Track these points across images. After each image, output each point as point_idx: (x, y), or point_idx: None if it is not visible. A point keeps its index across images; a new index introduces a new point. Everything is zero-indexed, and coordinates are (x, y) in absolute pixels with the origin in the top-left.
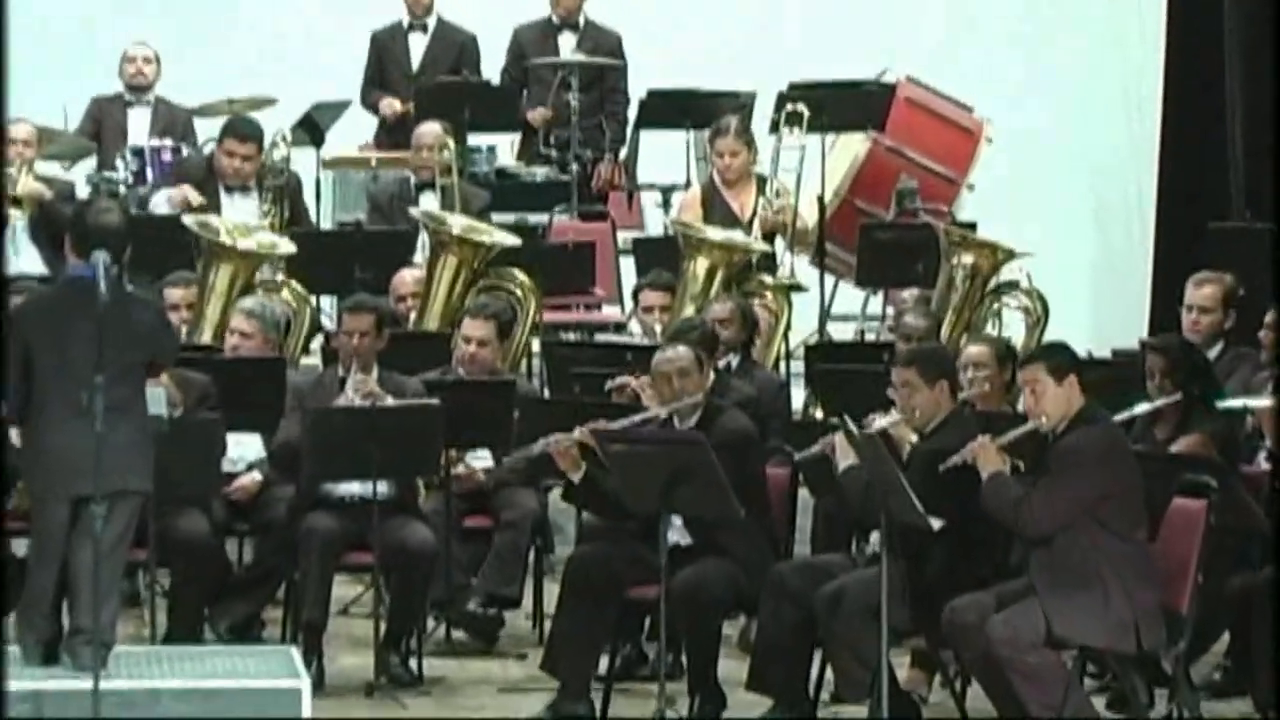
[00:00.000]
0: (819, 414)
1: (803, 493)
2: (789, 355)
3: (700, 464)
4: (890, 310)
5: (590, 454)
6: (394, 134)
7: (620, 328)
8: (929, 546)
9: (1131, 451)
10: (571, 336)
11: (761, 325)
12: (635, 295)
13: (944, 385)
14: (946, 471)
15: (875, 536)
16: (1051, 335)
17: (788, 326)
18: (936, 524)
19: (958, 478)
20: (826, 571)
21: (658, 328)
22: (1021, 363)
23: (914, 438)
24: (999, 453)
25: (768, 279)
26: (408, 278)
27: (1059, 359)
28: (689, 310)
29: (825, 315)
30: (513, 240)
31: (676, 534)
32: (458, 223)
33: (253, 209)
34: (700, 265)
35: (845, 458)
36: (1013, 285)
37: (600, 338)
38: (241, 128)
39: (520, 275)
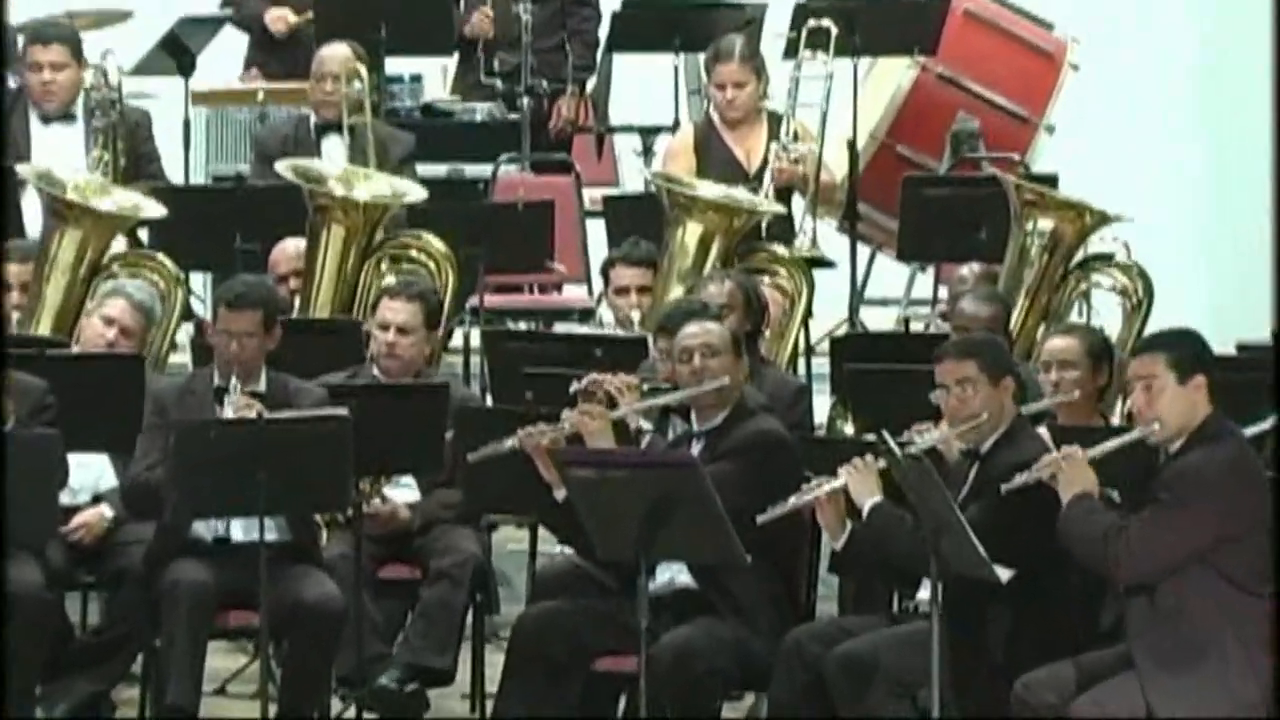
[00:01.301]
0: (849, 428)
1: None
2: (810, 351)
3: (690, 496)
4: (943, 292)
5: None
6: (287, 58)
7: (587, 315)
8: (993, 603)
9: (1266, 480)
10: (522, 326)
11: (772, 311)
12: (606, 272)
13: (1010, 386)
14: (1012, 496)
15: (923, 589)
16: (1156, 325)
17: (808, 312)
18: (1005, 575)
19: (1032, 510)
20: (853, 635)
21: (635, 316)
22: (1136, 350)
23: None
24: (1087, 468)
25: (781, 250)
26: (289, 250)
27: (1187, 351)
28: (676, 292)
29: (858, 298)
30: (415, 193)
31: (673, 573)
32: (342, 180)
33: (75, 143)
34: (691, 232)
35: (866, 494)
36: (1106, 259)
37: (561, 328)
38: (43, 31)
39: (432, 241)
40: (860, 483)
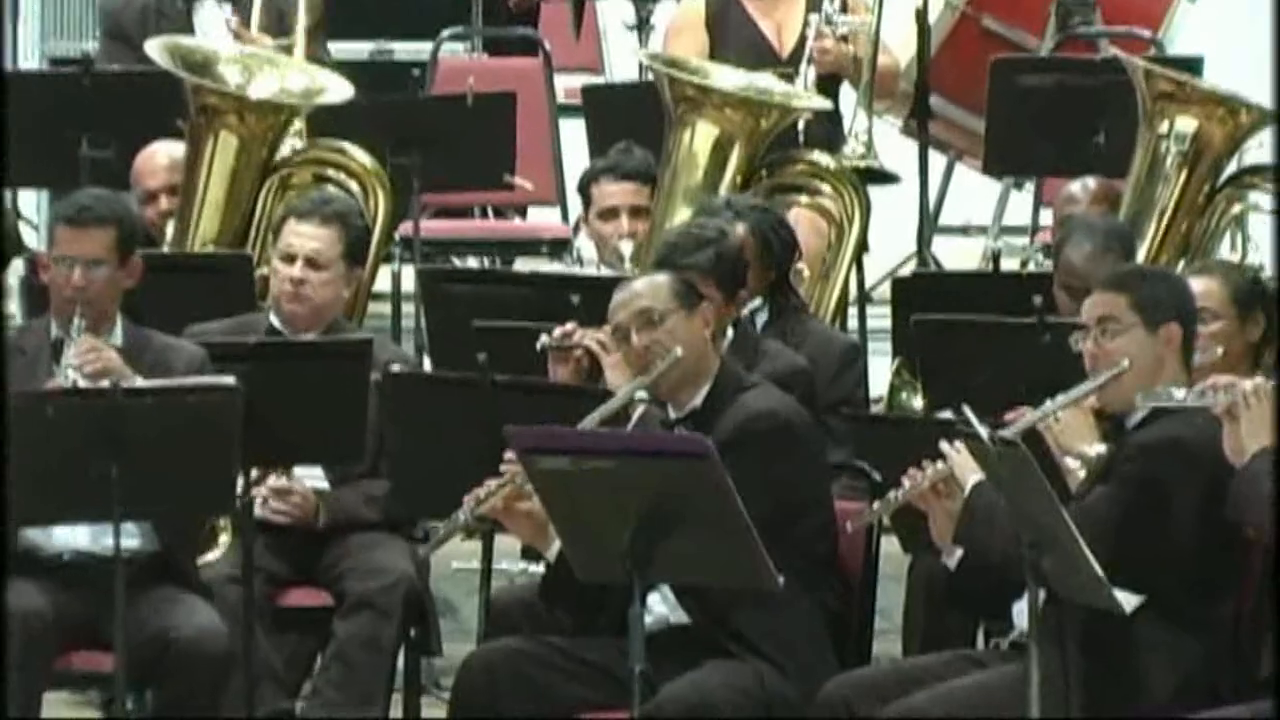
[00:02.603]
0: (917, 401)
1: (891, 543)
2: (864, 297)
3: (703, 495)
4: (1048, 217)
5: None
6: None
7: (560, 248)
8: (1117, 637)
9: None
10: (472, 264)
11: (812, 244)
12: (587, 189)
13: (1174, 336)
14: (1148, 487)
15: (1018, 614)
16: None
17: (862, 245)
18: (1131, 602)
19: (1176, 509)
20: (921, 684)
21: (626, 249)
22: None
23: (1092, 451)
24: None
25: (825, 160)
26: (160, 160)
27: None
28: (681, 216)
29: (930, 225)
30: (338, 89)
31: (661, 606)
32: (239, 66)
33: None
34: (703, 135)
35: (970, 469)
36: (1265, 172)
37: (524, 266)
38: None
39: (355, 154)
40: (966, 459)
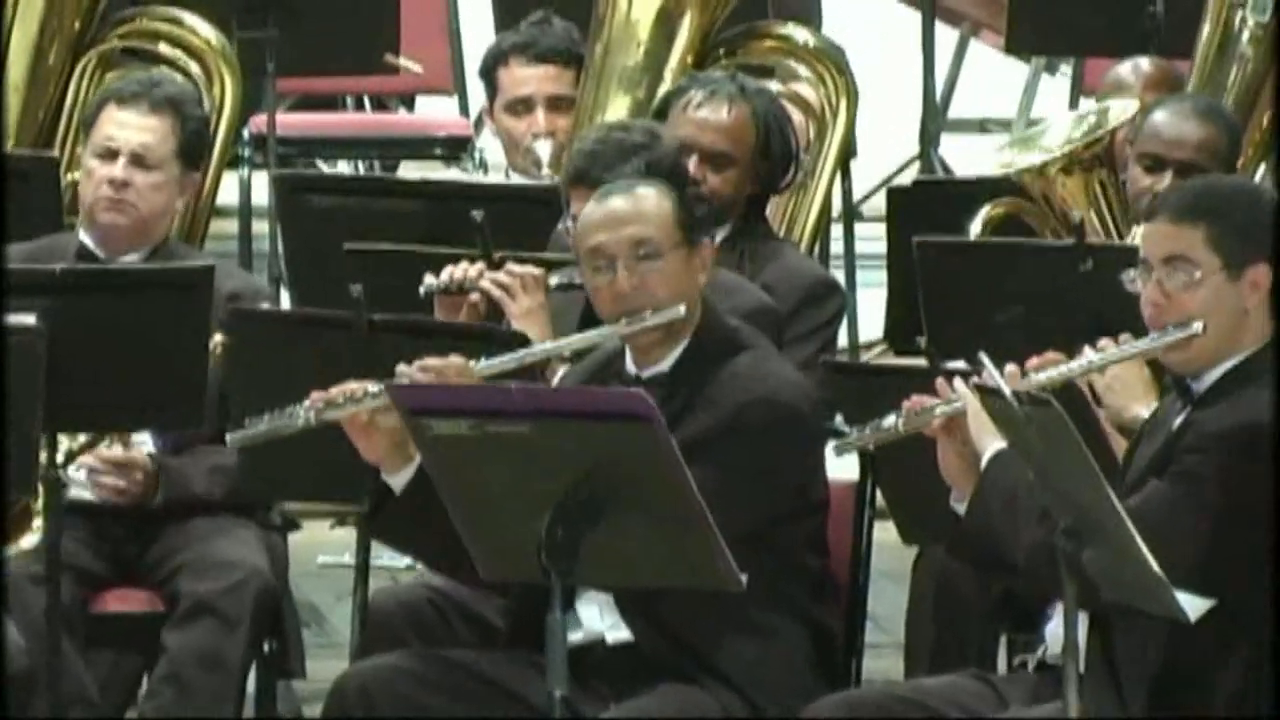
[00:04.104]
0: (922, 349)
1: (887, 530)
2: (850, 212)
3: (644, 469)
4: (1089, 110)
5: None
6: None
7: (458, 149)
8: (1179, 649)
9: None
10: (344, 169)
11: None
12: (492, 74)
13: (1263, 280)
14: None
15: (1052, 624)
16: None
17: (847, 146)
18: (1198, 608)
19: (1251, 516)
20: (921, 707)
21: (543, 149)
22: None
23: (1144, 411)
24: None
25: (801, 35)
26: None
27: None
28: (616, 110)
29: (937, 119)
30: None
31: (595, 620)
32: None
33: None
34: (642, 3)
35: (988, 434)
36: None
37: (409, 171)
38: None
39: (197, 25)
40: (984, 416)
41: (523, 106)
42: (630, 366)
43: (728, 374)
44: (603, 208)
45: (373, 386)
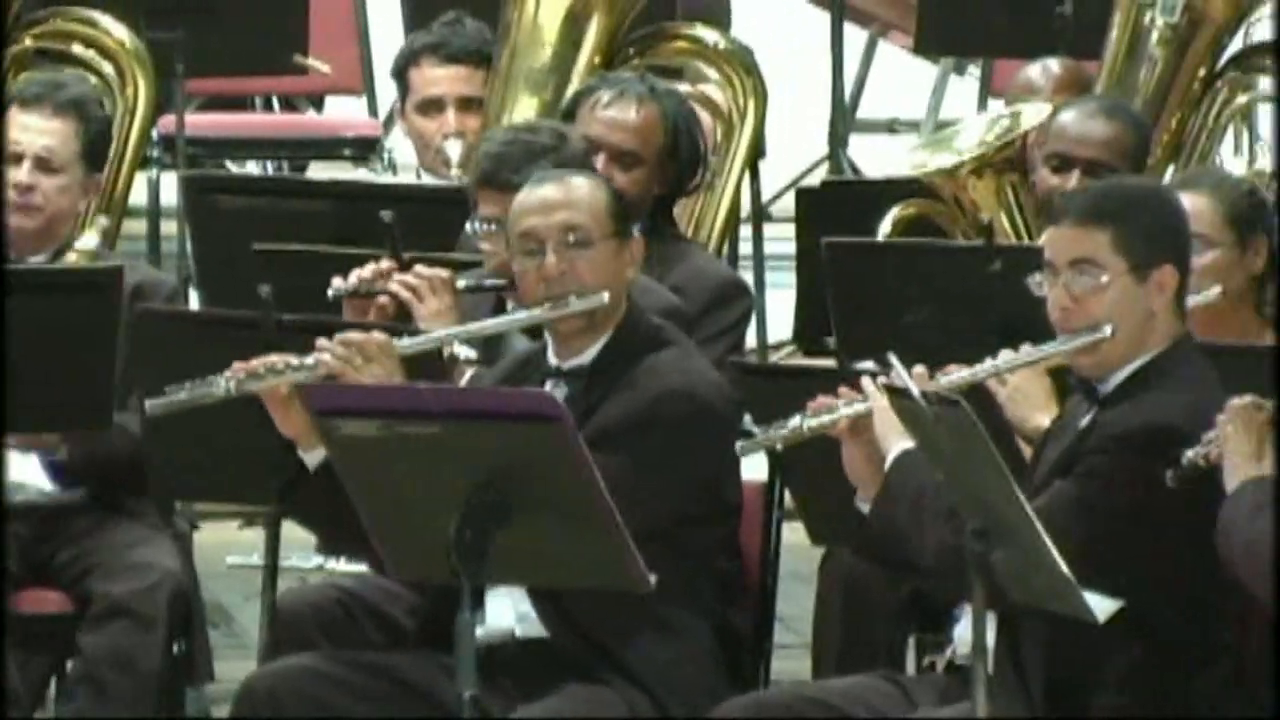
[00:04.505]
0: (833, 352)
1: (795, 531)
2: (759, 213)
3: (553, 470)
4: (998, 109)
5: None
6: None
7: (366, 150)
8: (1091, 652)
9: None
10: (253, 169)
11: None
12: (403, 74)
13: (1168, 281)
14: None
15: (961, 626)
16: None
17: (756, 147)
18: (1106, 609)
19: (1155, 519)
20: (829, 708)
21: (453, 149)
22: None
23: (1045, 420)
24: (1266, 431)
25: (711, 36)
26: None
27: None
28: (524, 111)
29: (845, 120)
30: None
31: (506, 616)
32: None
33: None
34: (550, 3)
35: (895, 433)
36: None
37: (319, 173)
38: None
39: (110, 27)
40: (890, 416)
41: (434, 106)
42: (552, 358)
43: (648, 367)
44: (536, 193)
45: (294, 360)
